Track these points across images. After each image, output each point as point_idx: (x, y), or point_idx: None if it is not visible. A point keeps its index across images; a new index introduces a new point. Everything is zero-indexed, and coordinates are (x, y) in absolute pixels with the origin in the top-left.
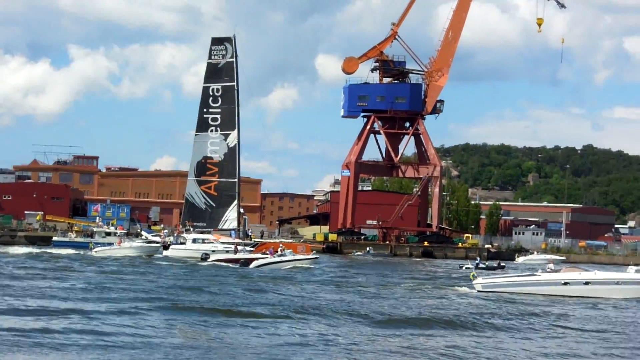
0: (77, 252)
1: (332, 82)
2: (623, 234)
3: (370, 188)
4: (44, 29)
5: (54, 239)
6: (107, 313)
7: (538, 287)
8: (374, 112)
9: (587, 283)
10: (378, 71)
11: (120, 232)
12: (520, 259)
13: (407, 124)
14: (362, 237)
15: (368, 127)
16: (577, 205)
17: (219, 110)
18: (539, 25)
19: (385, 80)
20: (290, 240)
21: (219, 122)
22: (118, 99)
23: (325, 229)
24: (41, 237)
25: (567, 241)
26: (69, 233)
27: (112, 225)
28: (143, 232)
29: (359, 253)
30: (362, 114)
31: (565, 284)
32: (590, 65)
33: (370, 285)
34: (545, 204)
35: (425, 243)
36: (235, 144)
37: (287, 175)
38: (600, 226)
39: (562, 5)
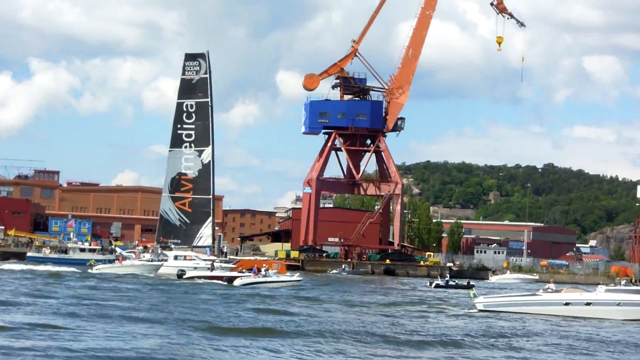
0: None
1: (293, 99)
2: (584, 253)
3: (331, 205)
4: (4, 43)
5: (29, 254)
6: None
7: (539, 307)
8: (335, 129)
9: (588, 304)
10: (339, 88)
11: (120, 251)
12: (493, 278)
13: (369, 141)
14: (324, 255)
15: (329, 144)
16: (538, 224)
17: (193, 126)
18: (499, 43)
19: (346, 97)
20: (265, 258)
21: (193, 138)
22: (79, 113)
23: (287, 246)
24: (15, 253)
25: (528, 260)
26: (44, 249)
27: (87, 241)
28: (117, 249)
29: (334, 271)
30: (323, 131)
31: (567, 304)
32: (550, 84)
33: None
34: (506, 222)
35: (387, 261)
36: (210, 161)
37: (249, 191)
38: (562, 245)
39: (522, 24)
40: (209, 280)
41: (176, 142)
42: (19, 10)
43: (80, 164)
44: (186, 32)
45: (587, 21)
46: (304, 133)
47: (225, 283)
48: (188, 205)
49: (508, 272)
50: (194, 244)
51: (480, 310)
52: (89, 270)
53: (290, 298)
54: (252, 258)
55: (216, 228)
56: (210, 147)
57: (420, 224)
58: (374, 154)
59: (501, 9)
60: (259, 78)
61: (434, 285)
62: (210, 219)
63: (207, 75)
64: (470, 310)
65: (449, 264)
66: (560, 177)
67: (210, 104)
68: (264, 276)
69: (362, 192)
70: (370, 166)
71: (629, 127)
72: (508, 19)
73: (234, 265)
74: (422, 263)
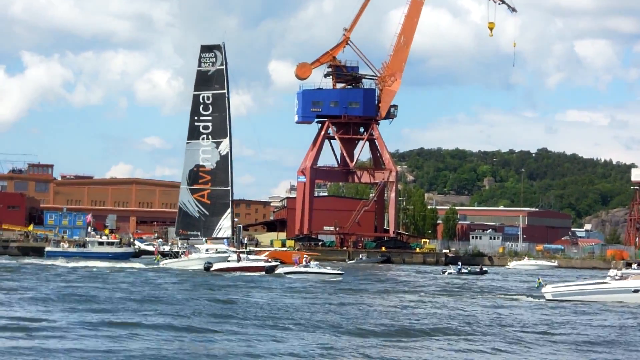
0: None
1: (286, 88)
2: (580, 237)
3: (326, 194)
4: None
5: (47, 249)
6: None
7: (608, 295)
8: (328, 117)
9: None
10: (331, 77)
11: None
12: (511, 264)
13: (362, 129)
14: (320, 244)
15: (323, 132)
16: (533, 209)
17: (210, 118)
18: (491, 29)
19: (339, 85)
20: (285, 249)
21: (210, 130)
22: (72, 106)
23: (282, 235)
24: (33, 248)
25: (524, 245)
26: (62, 243)
27: (106, 235)
28: (136, 242)
29: (352, 261)
30: (316, 120)
31: (636, 291)
32: (542, 69)
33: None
34: (501, 208)
35: (383, 248)
36: (227, 152)
37: (243, 181)
38: (557, 229)
39: (513, 9)
40: (238, 272)
41: (193, 134)
42: (11, 4)
43: (74, 157)
44: (178, 23)
45: (578, 5)
46: (297, 122)
47: (264, 273)
48: (207, 197)
49: (526, 258)
50: (214, 235)
51: (549, 300)
52: (157, 265)
53: (399, 292)
54: (272, 249)
55: (235, 219)
56: (228, 138)
57: (415, 211)
58: (367, 142)
59: None
60: (251, 68)
61: (446, 273)
62: (229, 210)
63: (224, 67)
64: (540, 300)
65: (444, 251)
66: (554, 162)
67: (227, 96)
68: (305, 267)
69: (356, 180)
70: (364, 154)
71: (622, 110)
72: (499, 4)
73: (263, 257)
74: (417, 250)
